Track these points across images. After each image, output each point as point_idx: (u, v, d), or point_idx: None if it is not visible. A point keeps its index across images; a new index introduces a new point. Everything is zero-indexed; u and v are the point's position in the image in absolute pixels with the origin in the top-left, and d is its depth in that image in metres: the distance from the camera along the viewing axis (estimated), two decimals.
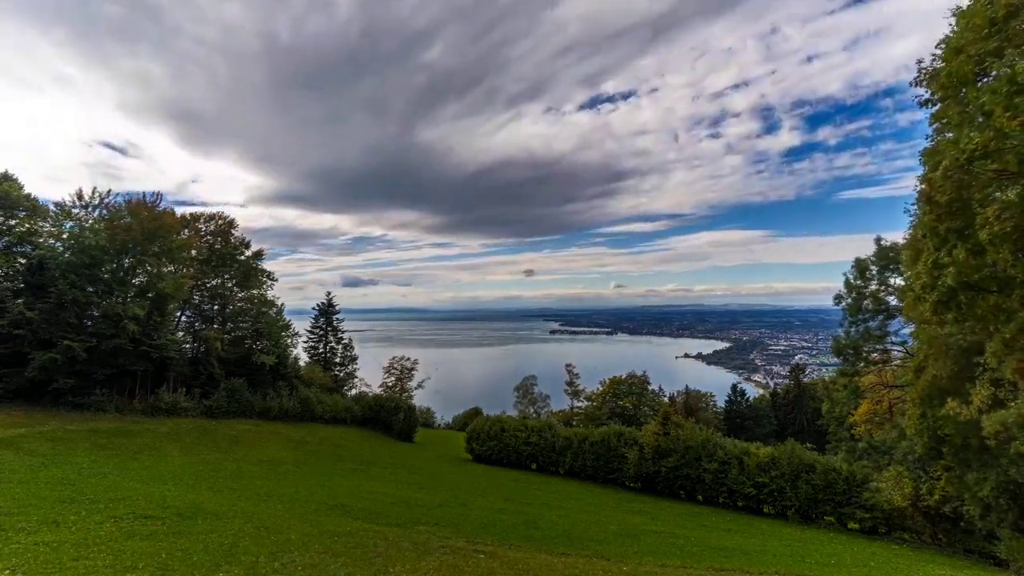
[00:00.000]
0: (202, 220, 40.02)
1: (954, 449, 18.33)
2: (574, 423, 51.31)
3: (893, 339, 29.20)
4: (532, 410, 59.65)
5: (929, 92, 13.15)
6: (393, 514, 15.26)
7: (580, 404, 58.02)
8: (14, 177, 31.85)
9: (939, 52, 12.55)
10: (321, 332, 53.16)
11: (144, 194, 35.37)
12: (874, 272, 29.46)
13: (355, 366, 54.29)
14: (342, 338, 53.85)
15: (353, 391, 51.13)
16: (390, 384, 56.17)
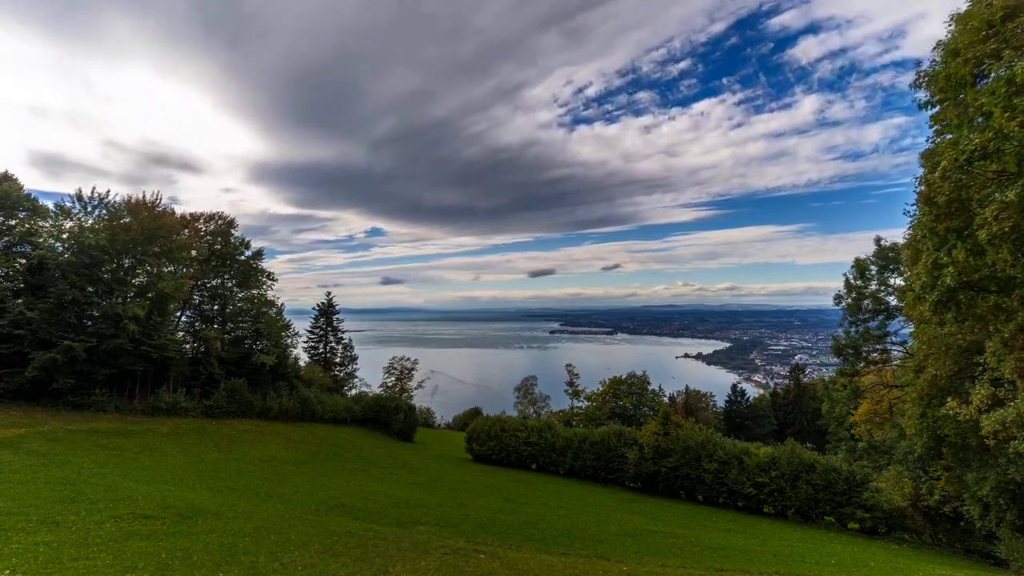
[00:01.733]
0: (202, 220, 40.07)
1: (954, 449, 18.37)
2: (574, 423, 51.31)
3: (893, 339, 29.31)
4: (532, 410, 59.67)
5: (928, 94, 13.20)
6: (393, 514, 15.27)
7: (580, 404, 58.04)
8: (14, 177, 31.93)
9: (937, 55, 12.59)
10: (321, 332, 53.23)
11: (144, 193, 35.52)
12: (874, 272, 29.57)
13: (355, 366, 54.40)
14: (342, 338, 53.95)
15: (353, 391, 51.18)
16: (390, 384, 56.27)
